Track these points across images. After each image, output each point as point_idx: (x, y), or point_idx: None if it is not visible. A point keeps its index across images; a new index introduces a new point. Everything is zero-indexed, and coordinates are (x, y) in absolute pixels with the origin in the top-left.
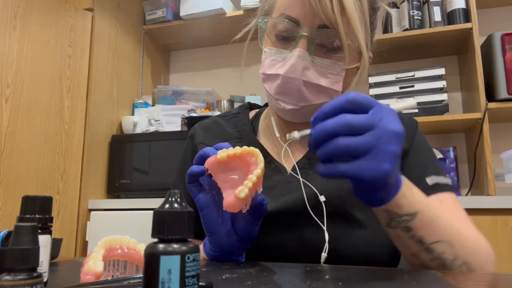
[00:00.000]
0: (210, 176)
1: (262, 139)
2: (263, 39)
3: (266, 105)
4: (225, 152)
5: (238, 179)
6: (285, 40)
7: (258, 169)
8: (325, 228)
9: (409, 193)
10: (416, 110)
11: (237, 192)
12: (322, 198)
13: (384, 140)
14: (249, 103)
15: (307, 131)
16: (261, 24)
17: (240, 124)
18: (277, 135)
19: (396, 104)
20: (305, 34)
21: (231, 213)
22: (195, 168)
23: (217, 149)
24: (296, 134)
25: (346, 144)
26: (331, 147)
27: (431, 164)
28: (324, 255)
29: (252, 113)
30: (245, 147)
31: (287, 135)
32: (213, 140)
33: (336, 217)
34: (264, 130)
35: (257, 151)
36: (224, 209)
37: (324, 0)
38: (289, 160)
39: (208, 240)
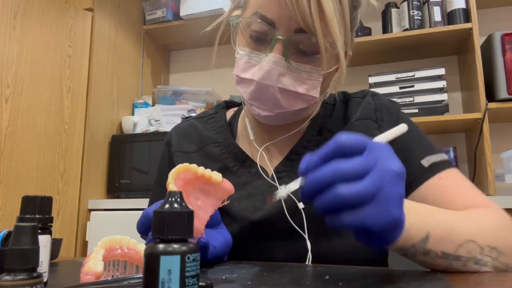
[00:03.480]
0: None
1: (241, 141)
2: (236, 37)
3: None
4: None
5: (202, 199)
6: (260, 41)
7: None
8: (306, 236)
9: (414, 220)
10: (416, 110)
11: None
12: (300, 205)
13: (386, 182)
14: (225, 101)
15: (297, 185)
16: (234, 22)
17: (217, 126)
18: (252, 138)
19: (385, 134)
20: (281, 38)
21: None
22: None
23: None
24: (283, 192)
25: (347, 193)
26: (330, 198)
27: (423, 143)
28: (309, 264)
29: (230, 113)
30: (169, 176)
31: (274, 194)
32: (190, 145)
33: (318, 222)
34: (242, 131)
35: (178, 169)
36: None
37: (301, 2)
38: (270, 163)
39: None
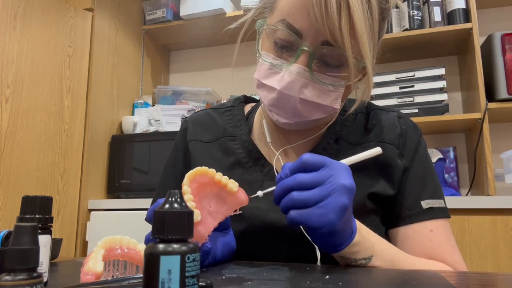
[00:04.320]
0: None
1: (257, 138)
2: (260, 40)
3: None
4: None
5: (213, 203)
6: (284, 48)
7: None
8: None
9: (363, 240)
10: (416, 110)
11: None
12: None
13: (333, 193)
14: (244, 96)
15: (271, 189)
16: (259, 28)
17: (234, 120)
18: (268, 140)
19: (356, 156)
20: (307, 49)
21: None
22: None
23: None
24: (260, 193)
25: (298, 198)
26: (286, 200)
27: (429, 184)
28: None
29: (247, 108)
30: (186, 177)
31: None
32: (205, 135)
33: None
34: (258, 129)
35: (193, 172)
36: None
37: (331, 15)
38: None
39: None
